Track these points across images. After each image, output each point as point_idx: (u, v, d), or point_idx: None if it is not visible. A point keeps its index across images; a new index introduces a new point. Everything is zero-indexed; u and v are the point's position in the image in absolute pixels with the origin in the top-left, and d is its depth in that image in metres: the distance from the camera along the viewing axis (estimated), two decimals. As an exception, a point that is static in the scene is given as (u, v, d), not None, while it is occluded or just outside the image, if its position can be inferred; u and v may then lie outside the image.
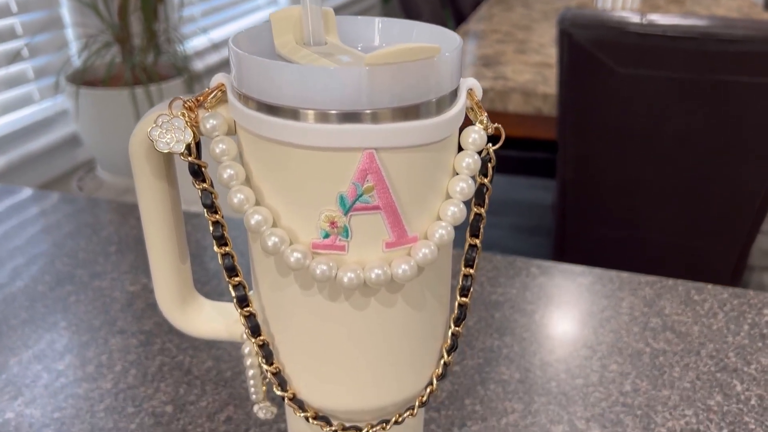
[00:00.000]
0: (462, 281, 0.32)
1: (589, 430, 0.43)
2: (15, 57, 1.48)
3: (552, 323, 0.54)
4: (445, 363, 0.33)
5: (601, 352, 0.50)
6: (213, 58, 1.85)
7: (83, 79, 1.43)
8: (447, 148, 0.29)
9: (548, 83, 1.43)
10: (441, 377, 0.33)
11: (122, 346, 0.51)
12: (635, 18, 1.13)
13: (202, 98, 0.29)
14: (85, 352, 0.50)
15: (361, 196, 0.27)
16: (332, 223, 0.27)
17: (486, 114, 0.30)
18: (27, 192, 0.76)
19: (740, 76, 1.11)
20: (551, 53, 1.64)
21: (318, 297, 0.29)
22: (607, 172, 1.28)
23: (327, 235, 0.27)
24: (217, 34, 1.97)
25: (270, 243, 0.27)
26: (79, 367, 0.49)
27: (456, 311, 0.33)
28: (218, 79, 0.30)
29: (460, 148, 0.30)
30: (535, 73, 1.50)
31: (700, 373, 0.48)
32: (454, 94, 0.28)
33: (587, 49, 1.17)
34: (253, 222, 0.27)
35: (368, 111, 0.25)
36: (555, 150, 1.28)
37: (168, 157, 0.31)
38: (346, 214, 0.27)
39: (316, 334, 0.30)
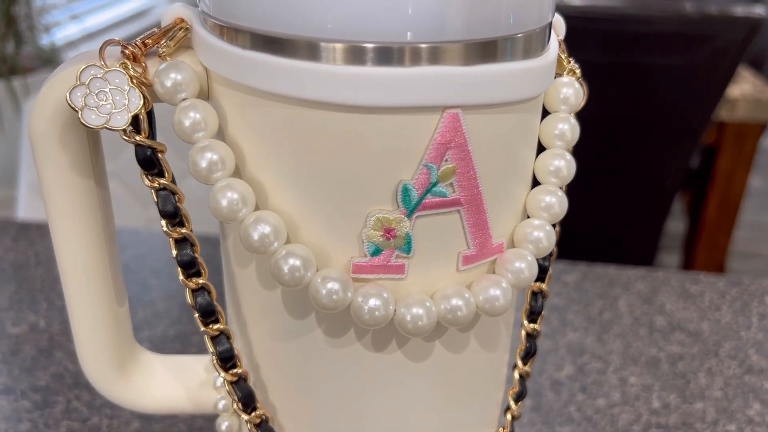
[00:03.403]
0: (530, 301, 0.23)
1: (632, 465, 0.35)
2: None
3: (550, 333, 0.46)
4: (513, 417, 0.23)
5: (614, 363, 0.43)
6: (88, 49, 1.64)
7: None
8: (536, 110, 0.19)
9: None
10: (508, 437, 0.23)
11: (9, 412, 0.38)
12: (550, -1, 1.09)
13: (151, 41, 0.18)
14: (-44, 425, 0.37)
15: (435, 185, 0.17)
16: (388, 231, 0.17)
17: (573, 60, 0.21)
18: None
19: (656, 57, 1.09)
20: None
21: (355, 347, 0.19)
22: (523, 161, 1.24)
23: (377, 251, 0.17)
24: (92, 22, 1.76)
25: (286, 269, 0.17)
26: (-53, 448, 0.35)
27: (524, 343, 0.23)
28: (175, 11, 0.18)
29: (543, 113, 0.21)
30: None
31: (727, 378, 0.42)
32: (548, 32, 0.19)
33: (503, 31, 1.12)
34: (256, 237, 0.17)
35: (424, 45, 0.16)
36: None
37: (95, 140, 0.19)
38: (410, 215, 0.17)
39: (346, 402, 0.20)
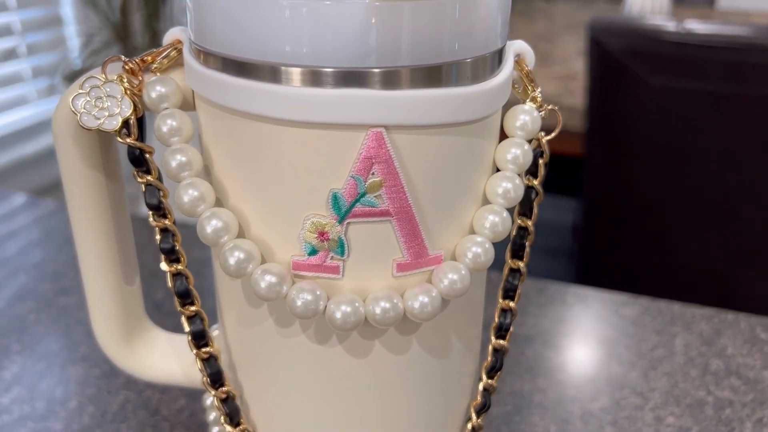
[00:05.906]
0: (499, 318, 0.24)
1: (646, 505, 0.34)
2: (10, 55, 1.41)
3: (594, 363, 0.45)
4: (473, 428, 0.24)
5: (654, 400, 0.42)
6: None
7: (83, 80, 1.36)
8: (486, 133, 0.20)
9: (573, 96, 1.35)
10: (467, 447, 0.24)
11: (82, 377, 0.43)
12: (672, 26, 1.05)
13: (150, 59, 0.21)
14: (38, 384, 0.42)
15: (363, 195, 0.19)
16: (321, 234, 0.19)
17: (540, 89, 0.22)
18: (20, 197, 0.68)
19: (785, 90, 1.02)
20: (575, 66, 1.56)
21: (300, 338, 0.21)
22: (637, 191, 1.20)
23: (314, 251, 0.19)
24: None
25: (232, 261, 0.19)
26: (27, 401, 0.41)
27: (490, 358, 0.24)
28: (174, 34, 0.22)
29: (503, 135, 0.22)
30: (559, 85, 1.42)
31: (777, 431, 0.39)
32: (497, 57, 0.20)
33: (619, 58, 1.09)
34: (209, 230, 0.19)
35: (377, 70, 0.18)
36: (579, 167, 1.19)
37: (106, 139, 0.23)
38: (341, 221, 0.19)
39: (297, 388, 0.22)
